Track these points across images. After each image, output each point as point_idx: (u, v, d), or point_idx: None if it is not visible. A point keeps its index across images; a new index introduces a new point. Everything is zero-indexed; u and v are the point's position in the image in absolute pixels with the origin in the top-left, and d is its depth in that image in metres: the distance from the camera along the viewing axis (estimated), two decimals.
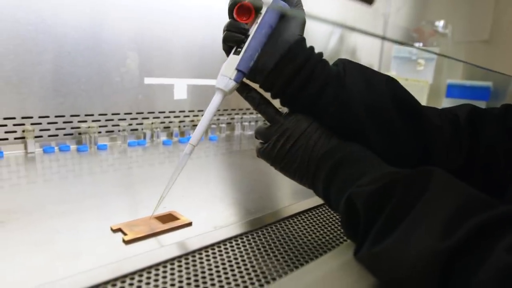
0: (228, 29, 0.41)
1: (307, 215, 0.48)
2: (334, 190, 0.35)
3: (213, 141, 0.98)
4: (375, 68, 1.76)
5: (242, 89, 0.44)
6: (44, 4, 0.71)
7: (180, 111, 0.98)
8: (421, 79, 1.35)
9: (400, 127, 0.42)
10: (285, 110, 0.43)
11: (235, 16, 0.41)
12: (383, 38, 1.80)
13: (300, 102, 0.41)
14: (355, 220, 0.30)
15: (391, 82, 0.44)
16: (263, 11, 0.41)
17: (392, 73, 1.48)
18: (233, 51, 0.41)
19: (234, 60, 0.40)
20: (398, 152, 0.42)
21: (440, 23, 1.57)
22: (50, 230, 0.41)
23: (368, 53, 1.72)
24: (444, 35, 1.59)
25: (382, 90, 0.42)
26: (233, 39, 0.40)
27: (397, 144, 0.42)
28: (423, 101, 1.35)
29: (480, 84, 1.38)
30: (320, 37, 1.47)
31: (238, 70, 0.40)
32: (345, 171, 0.35)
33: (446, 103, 1.39)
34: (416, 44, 1.56)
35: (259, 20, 0.40)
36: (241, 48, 0.40)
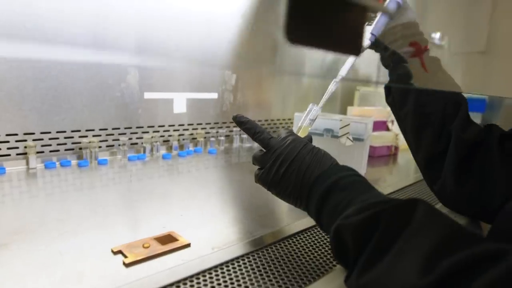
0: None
1: (305, 235, 0.49)
2: (325, 216, 0.37)
3: (212, 154, 0.99)
4: (373, 78, 1.78)
5: (239, 123, 0.47)
6: (47, 22, 0.73)
7: (179, 125, 0.99)
8: None
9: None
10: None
11: None
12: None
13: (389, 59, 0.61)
14: (344, 249, 0.32)
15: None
16: (387, 1, 0.59)
17: None
18: (366, 24, 0.52)
19: (368, 28, 0.58)
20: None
21: (436, 35, 1.59)
22: (52, 252, 0.42)
23: (366, 64, 1.74)
24: (441, 47, 1.61)
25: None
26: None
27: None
28: None
29: (476, 96, 1.40)
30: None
31: (372, 34, 0.58)
32: (334, 198, 0.37)
33: None
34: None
35: (386, 3, 0.59)
36: (372, 22, 0.58)
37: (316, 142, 0.79)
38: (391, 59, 0.61)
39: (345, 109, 1.29)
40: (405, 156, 1.16)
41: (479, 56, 1.69)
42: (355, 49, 0.20)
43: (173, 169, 0.84)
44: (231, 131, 1.11)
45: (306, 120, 0.54)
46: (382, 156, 1.12)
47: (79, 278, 0.36)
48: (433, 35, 1.70)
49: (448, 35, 1.70)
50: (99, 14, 0.80)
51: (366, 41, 0.59)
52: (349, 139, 0.77)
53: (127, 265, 0.39)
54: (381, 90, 1.38)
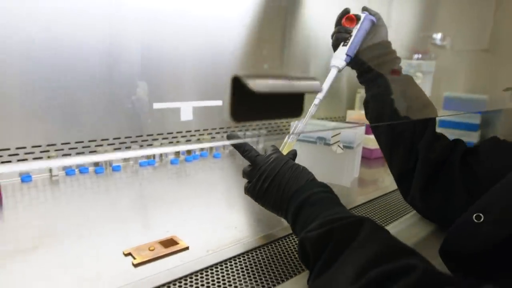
0: (339, 31, 0.65)
1: (290, 239, 0.56)
2: (298, 227, 0.44)
3: (217, 158, 1.07)
4: None
5: (231, 140, 0.55)
6: (66, 45, 0.81)
7: (186, 131, 1.07)
8: None
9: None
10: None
11: (343, 22, 0.65)
12: None
13: (364, 78, 0.66)
14: (307, 257, 0.39)
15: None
16: (362, 20, 0.64)
17: None
18: (341, 44, 0.64)
19: (343, 49, 0.63)
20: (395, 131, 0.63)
21: (437, 36, 1.62)
22: (73, 254, 0.50)
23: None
24: (443, 47, 1.64)
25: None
26: (342, 36, 0.64)
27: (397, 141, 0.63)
28: None
29: (476, 96, 1.43)
30: (327, 46, 1.53)
31: (347, 55, 0.63)
32: (305, 212, 0.44)
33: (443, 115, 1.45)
34: (415, 56, 1.61)
35: (358, 26, 0.64)
36: (347, 43, 0.63)
37: (310, 150, 0.86)
38: (367, 77, 0.66)
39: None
40: None
41: (483, 54, 1.71)
42: (297, 112, 0.27)
43: (180, 173, 0.92)
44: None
45: (291, 137, 0.61)
46: (379, 158, 1.17)
47: (97, 277, 0.45)
48: (434, 35, 1.72)
49: (452, 34, 1.72)
50: (112, 33, 0.88)
51: (342, 62, 0.63)
52: (340, 147, 0.83)
53: (135, 265, 0.47)
54: None
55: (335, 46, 0.66)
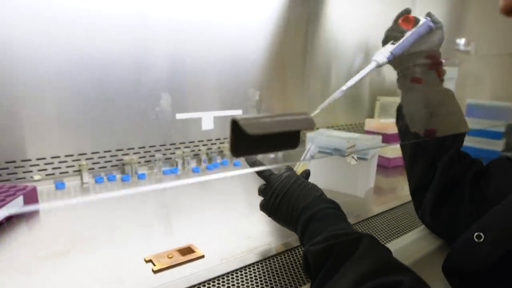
0: (392, 29, 0.64)
1: (298, 250, 0.59)
2: (305, 240, 0.47)
3: (237, 166, 1.11)
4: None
5: (249, 163, 0.59)
6: (96, 62, 0.87)
7: (207, 140, 1.12)
8: None
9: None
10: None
11: (399, 22, 0.64)
12: None
13: (403, 82, 0.65)
14: (309, 269, 0.42)
15: None
16: (420, 24, 0.62)
17: None
18: (390, 42, 0.62)
19: (390, 47, 0.62)
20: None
21: (461, 41, 1.60)
22: (99, 259, 0.55)
23: (393, 72, 1.77)
24: (466, 52, 1.61)
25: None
26: (394, 35, 0.63)
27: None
28: None
29: (500, 104, 1.41)
30: (348, 54, 1.55)
31: (391, 53, 0.61)
32: (312, 227, 0.47)
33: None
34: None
35: (414, 29, 0.62)
36: (396, 42, 0.61)
37: (325, 161, 0.88)
38: (407, 83, 0.64)
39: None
40: None
41: (509, 58, 1.67)
42: (293, 144, 0.30)
43: (202, 181, 0.97)
44: None
45: (306, 157, 0.63)
46: (398, 167, 1.18)
47: (121, 281, 0.49)
48: (458, 41, 1.70)
49: (476, 38, 1.68)
50: (138, 49, 0.94)
51: (383, 58, 0.61)
52: (354, 158, 0.85)
53: (155, 272, 0.51)
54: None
55: (384, 43, 0.65)
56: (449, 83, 1.51)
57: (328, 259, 0.39)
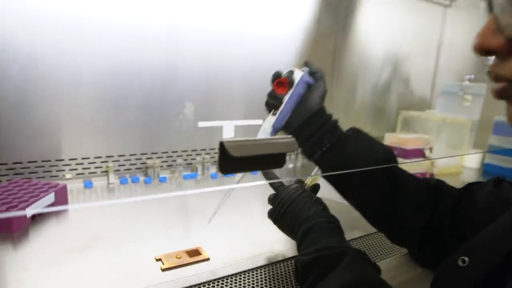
0: (269, 96, 0.59)
1: None
2: (301, 249, 0.50)
3: (255, 174, 1.15)
4: (427, 101, 1.79)
5: (263, 174, 0.62)
6: (125, 72, 0.95)
7: None
8: (463, 117, 1.37)
9: (381, 188, 0.56)
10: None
11: (274, 87, 0.59)
12: None
13: (312, 157, 0.57)
14: (298, 276, 0.45)
15: (388, 152, 0.58)
16: (295, 84, 0.57)
17: (434, 111, 1.52)
18: (271, 112, 0.59)
19: (271, 119, 0.58)
20: (376, 207, 0.57)
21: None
22: (118, 255, 0.61)
23: (420, 85, 1.75)
24: None
25: (377, 158, 0.55)
26: (271, 105, 0.59)
27: (375, 201, 0.57)
28: (464, 140, 1.37)
29: None
30: (375, 66, 1.55)
31: (273, 127, 0.57)
32: (309, 238, 0.50)
33: (493, 140, 1.39)
34: (467, 77, 1.56)
35: (291, 91, 0.57)
36: (276, 112, 0.57)
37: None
38: (313, 157, 0.58)
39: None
40: None
41: None
42: (280, 163, 0.34)
43: (219, 186, 1.02)
44: None
45: (317, 172, 0.65)
46: None
47: (133, 277, 0.54)
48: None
49: None
50: (167, 58, 1.00)
51: (267, 135, 0.57)
52: None
53: (163, 270, 0.56)
54: (425, 115, 1.41)
55: (268, 111, 0.60)
56: (477, 99, 1.48)
57: (315, 270, 0.42)
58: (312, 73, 0.60)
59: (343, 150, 0.55)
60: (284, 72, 0.59)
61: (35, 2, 0.81)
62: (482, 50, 0.32)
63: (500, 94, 0.33)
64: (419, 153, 1.23)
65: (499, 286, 0.34)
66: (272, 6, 1.15)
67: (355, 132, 0.58)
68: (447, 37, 1.73)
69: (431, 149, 1.26)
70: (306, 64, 0.61)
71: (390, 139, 1.25)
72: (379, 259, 0.64)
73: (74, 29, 0.86)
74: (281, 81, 0.57)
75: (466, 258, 0.44)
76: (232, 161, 0.30)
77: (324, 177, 0.59)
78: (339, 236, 0.50)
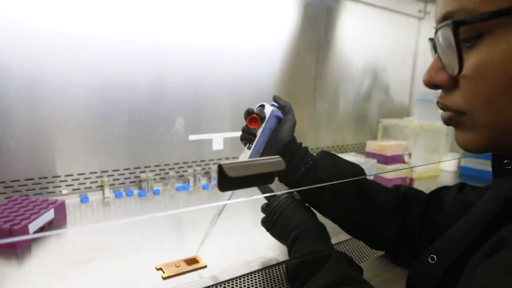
0: (243, 132, 0.65)
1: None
2: (291, 254, 0.55)
3: None
4: (406, 109, 1.87)
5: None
6: (117, 90, 0.99)
7: (218, 159, 1.22)
8: (438, 124, 1.45)
9: (354, 205, 0.61)
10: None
11: (247, 123, 0.64)
12: None
13: (289, 183, 0.63)
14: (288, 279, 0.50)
15: (356, 170, 0.63)
16: (266, 119, 0.62)
17: (412, 118, 1.60)
18: (246, 146, 0.65)
19: (246, 153, 0.63)
20: (351, 221, 0.62)
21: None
22: (119, 266, 0.65)
23: (398, 94, 1.83)
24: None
25: (347, 176, 0.60)
26: (245, 139, 0.64)
27: (350, 216, 0.62)
28: (440, 145, 1.45)
29: None
30: (356, 77, 1.63)
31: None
32: (298, 243, 0.55)
33: None
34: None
35: (263, 126, 0.62)
36: (251, 146, 0.62)
37: None
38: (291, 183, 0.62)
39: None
40: (421, 186, 1.27)
41: None
42: (270, 180, 0.39)
43: (211, 197, 1.06)
44: None
45: None
46: None
47: (135, 285, 0.59)
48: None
49: None
50: (157, 75, 1.05)
51: None
52: None
53: (164, 278, 0.60)
54: (403, 122, 1.49)
55: (244, 145, 0.65)
56: None
57: (302, 272, 0.47)
58: (281, 107, 0.65)
59: (316, 173, 0.61)
60: (256, 108, 0.64)
61: (25, 21, 0.85)
62: (430, 84, 0.38)
63: (447, 122, 0.39)
64: (398, 159, 1.30)
65: (462, 268, 0.38)
66: (256, 21, 1.21)
67: (325, 155, 0.64)
68: (422, 47, 1.83)
69: (409, 155, 1.33)
70: (274, 99, 0.66)
71: (371, 146, 1.32)
72: (362, 260, 0.70)
73: (63, 46, 0.90)
74: (253, 117, 0.62)
75: (435, 256, 0.49)
76: (229, 180, 0.35)
77: (303, 199, 0.64)
78: (325, 241, 0.56)
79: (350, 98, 1.63)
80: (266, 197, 0.67)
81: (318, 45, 1.45)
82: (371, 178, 1.03)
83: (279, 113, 0.64)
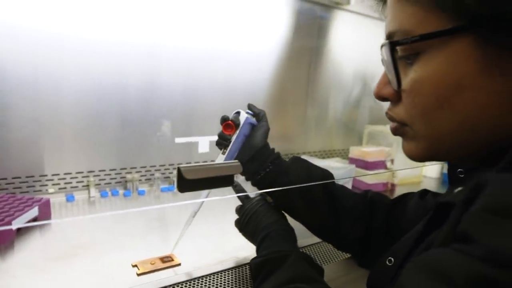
0: (219, 137, 0.68)
1: None
2: (258, 253, 0.58)
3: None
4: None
5: (233, 187, 0.70)
6: (108, 94, 1.02)
7: (203, 161, 1.25)
8: None
9: (323, 208, 0.64)
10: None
11: (222, 129, 0.67)
12: None
13: (260, 186, 0.66)
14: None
15: (326, 176, 0.66)
16: (240, 126, 0.66)
17: None
18: (221, 151, 0.68)
19: (221, 158, 0.67)
20: (319, 224, 0.66)
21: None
22: (98, 263, 0.68)
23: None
24: None
25: (316, 180, 0.64)
26: (221, 144, 0.68)
27: (319, 219, 0.65)
28: None
29: None
30: (346, 84, 1.66)
31: None
32: (265, 243, 0.58)
33: None
34: None
35: (237, 132, 0.66)
36: (226, 150, 0.66)
37: None
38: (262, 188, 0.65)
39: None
40: (403, 191, 1.31)
41: None
42: (229, 182, 0.42)
43: (196, 198, 1.09)
44: None
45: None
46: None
47: (111, 281, 0.62)
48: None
49: None
50: (147, 80, 1.08)
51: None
52: None
53: (138, 274, 0.63)
54: (387, 129, 1.52)
55: (220, 149, 0.68)
56: None
57: (264, 270, 0.50)
58: (255, 115, 0.68)
59: (288, 177, 0.64)
60: (231, 115, 0.68)
61: (16, 22, 0.88)
62: (379, 97, 0.41)
63: (393, 132, 0.42)
64: (380, 165, 1.34)
65: None
66: (248, 27, 1.24)
67: (296, 160, 0.67)
68: None
69: (392, 161, 1.36)
70: (249, 107, 0.70)
71: (353, 152, 1.35)
72: (329, 262, 0.73)
73: (56, 47, 0.93)
74: (228, 124, 0.65)
75: (392, 259, 0.52)
76: (187, 182, 0.39)
77: (275, 202, 0.67)
78: (291, 242, 0.59)
79: (340, 104, 1.67)
80: (240, 199, 0.70)
81: (310, 52, 1.49)
82: (350, 182, 1.06)
83: (253, 120, 0.67)
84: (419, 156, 0.40)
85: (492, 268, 0.24)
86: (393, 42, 0.36)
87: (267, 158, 0.65)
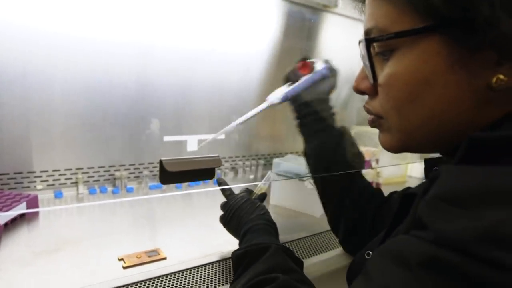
0: (290, 72, 0.74)
1: None
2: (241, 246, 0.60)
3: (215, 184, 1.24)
4: None
5: (218, 183, 0.73)
6: (97, 92, 1.03)
7: None
8: None
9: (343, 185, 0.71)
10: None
11: (298, 66, 0.72)
12: None
13: (304, 134, 0.73)
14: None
15: (360, 157, 0.73)
16: (315, 71, 0.71)
17: None
18: (287, 84, 0.72)
19: (285, 88, 0.71)
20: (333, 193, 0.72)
21: None
22: (85, 257, 0.69)
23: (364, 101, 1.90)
24: None
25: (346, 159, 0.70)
26: (290, 78, 0.73)
27: (335, 189, 0.72)
28: (407, 154, 1.52)
29: None
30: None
31: (285, 94, 0.69)
32: (247, 237, 0.60)
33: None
34: None
35: (310, 75, 0.70)
36: (292, 84, 0.70)
37: (287, 183, 1.01)
38: (305, 130, 0.72)
39: None
40: (387, 192, 1.33)
41: None
42: (210, 175, 0.44)
43: (184, 196, 1.11)
44: (236, 164, 1.36)
45: (265, 183, 0.76)
46: None
47: (97, 273, 0.63)
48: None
49: None
50: (138, 79, 1.09)
51: (276, 99, 0.68)
52: (311, 183, 0.98)
53: (124, 268, 0.65)
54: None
55: (283, 83, 0.72)
56: None
57: (244, 261, 0.52)
58: (330, 69, 0.72)
59: (328, 139, 0.70)
60: (310, 59, 0.73)
61: (4, 19, 0.88)
62: (357, 91, 0.43)
63: (370, 124, 0.45)
64: (366, 165, 1.36)
65: None
66: (238, 28, 1.26)
67: (346, 131, 0.72)
68: None
69: (377, 161, 1.40)
70: (326, 61, 0.73)
71: None
72: (311, 256, 0.75)
73: (47, 45, 0.94)
74: (305, 63, 0.70)
75: (370, 252, 0.55)
76: (169, 174, 0.41)
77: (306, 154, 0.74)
78: (271, 235, 0.61)
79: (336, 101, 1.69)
80: (225, 195, 0.72)
81: (299, 53, 1.51)
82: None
83: (327, 72, 0.71)
84: (393, 147, 0.43)
85: (442, 250, 0.26)
86: (369, 38, 0.38)
87: (323, 109, 0.71)
